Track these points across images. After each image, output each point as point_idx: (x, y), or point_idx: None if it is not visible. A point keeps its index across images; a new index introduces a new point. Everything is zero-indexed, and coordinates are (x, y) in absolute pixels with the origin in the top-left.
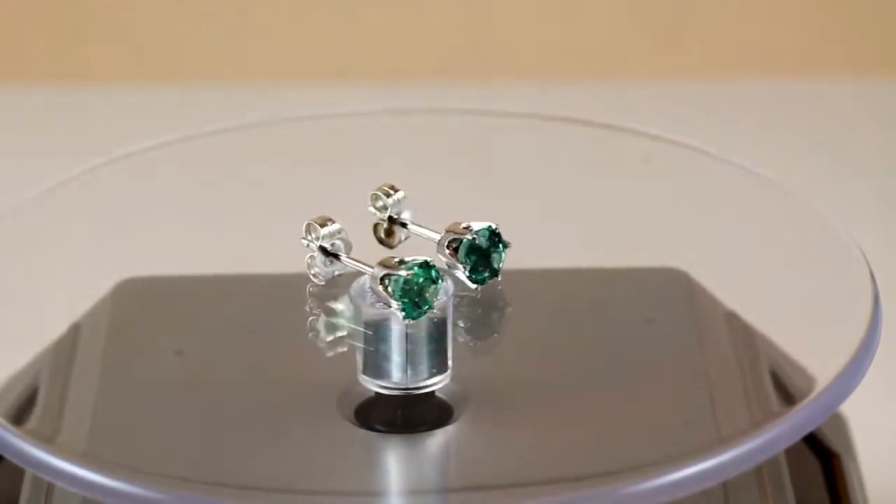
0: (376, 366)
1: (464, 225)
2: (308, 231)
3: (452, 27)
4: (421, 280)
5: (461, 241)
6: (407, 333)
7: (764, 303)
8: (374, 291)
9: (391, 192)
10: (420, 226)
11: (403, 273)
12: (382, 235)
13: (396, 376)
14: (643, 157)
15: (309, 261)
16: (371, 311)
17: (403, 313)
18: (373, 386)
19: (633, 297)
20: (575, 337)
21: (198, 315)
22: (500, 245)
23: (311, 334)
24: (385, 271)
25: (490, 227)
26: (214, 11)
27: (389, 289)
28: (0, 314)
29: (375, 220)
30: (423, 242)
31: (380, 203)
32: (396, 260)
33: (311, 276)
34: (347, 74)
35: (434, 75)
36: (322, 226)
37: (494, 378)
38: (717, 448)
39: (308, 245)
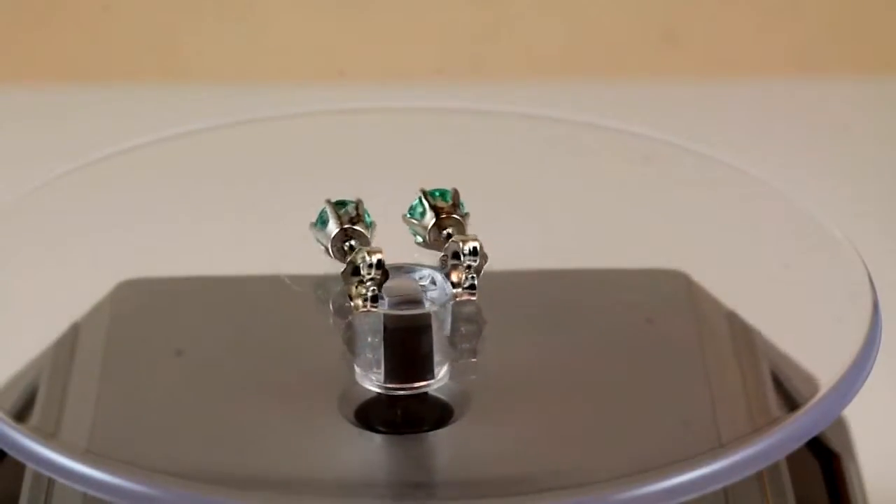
0: (376, 366)
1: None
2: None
3: (452, 27)
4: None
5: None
6: (407, 333)
7: (764, 303)
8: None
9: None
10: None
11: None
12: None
13: (397, 376)
14: (643, 157)
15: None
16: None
17: None
18: (373, 386)
19: (633, 298)
20: (575, 338)
21: (198, 315)
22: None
23: (311, 334)
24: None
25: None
26: (215, 11)
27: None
28: (0, 314)
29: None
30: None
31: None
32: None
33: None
34: (347, 74)
35: (434, 75)
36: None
37: (494, 378)
38: (720, 454)
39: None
